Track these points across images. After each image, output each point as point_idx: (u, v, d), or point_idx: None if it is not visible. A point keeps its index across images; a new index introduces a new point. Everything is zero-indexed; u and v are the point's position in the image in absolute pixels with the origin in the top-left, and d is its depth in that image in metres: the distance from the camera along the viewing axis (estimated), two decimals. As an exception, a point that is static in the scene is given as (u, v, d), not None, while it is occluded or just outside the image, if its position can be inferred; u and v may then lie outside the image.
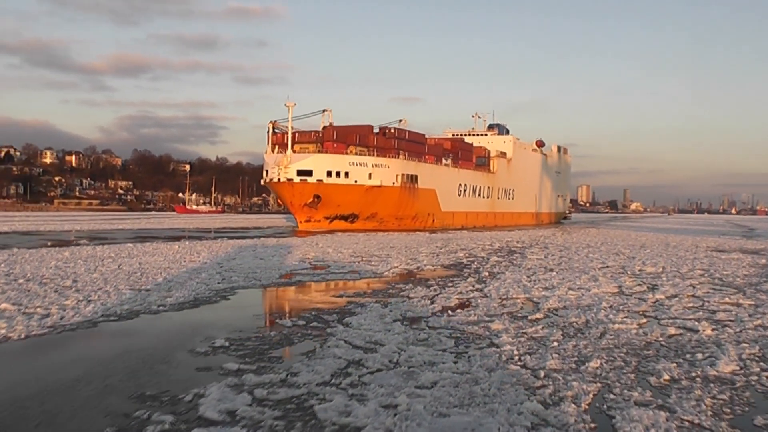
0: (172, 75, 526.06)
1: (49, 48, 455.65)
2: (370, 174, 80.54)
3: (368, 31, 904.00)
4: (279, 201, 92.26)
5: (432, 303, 18.81)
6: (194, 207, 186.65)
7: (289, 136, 78.62)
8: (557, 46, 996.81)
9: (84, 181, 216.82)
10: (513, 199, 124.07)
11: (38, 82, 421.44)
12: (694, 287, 23.84)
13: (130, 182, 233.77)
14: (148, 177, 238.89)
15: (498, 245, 49.70)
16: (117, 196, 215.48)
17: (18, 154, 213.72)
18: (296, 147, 79.22)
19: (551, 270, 29.79)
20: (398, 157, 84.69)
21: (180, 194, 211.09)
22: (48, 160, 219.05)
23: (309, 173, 77.42)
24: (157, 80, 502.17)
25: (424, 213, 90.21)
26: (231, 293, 20.59)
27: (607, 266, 32.47)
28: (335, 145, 79.87)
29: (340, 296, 20.38)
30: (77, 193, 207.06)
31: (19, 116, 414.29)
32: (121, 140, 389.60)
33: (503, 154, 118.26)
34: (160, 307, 17.41)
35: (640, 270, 30.54)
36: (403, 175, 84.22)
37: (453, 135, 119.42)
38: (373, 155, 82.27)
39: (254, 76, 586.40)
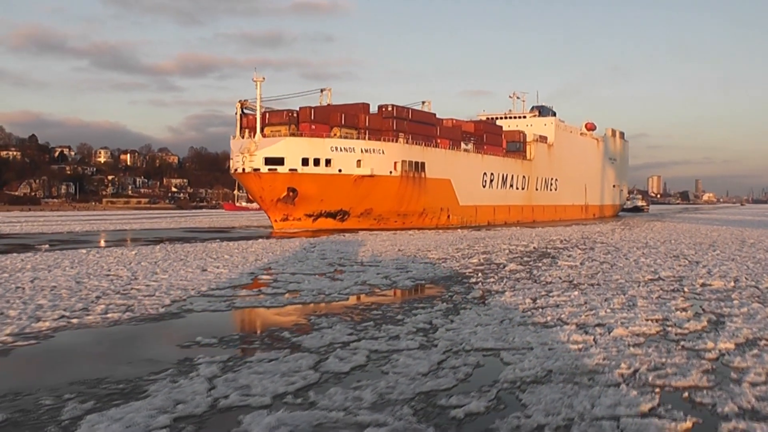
0: (239, 73, 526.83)
1: (116, 50, 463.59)
2: (358, 161, 65.41)
3: (436, 24, 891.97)
4: (250, 196, 76.46)
5: (314, 368, 10.91)
6: (243, 204, 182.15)
7: (258, 116, 64.35)
8: (627, 35, 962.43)
9: (138, 179, 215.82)
10: (556, 190, 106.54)
11: (107, 85, 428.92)
12: (784, 321, 15.16)
13: (185, 180, 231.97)
14: (204, 174, 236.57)
15: (534, 246, 41.10)
16: (170, 194, 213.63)
17: (73, 154, 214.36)
18: (267, 130, 65.32)
19: (577, 286, 21.42)
20: (397, 141, 69.68)
21: (235, 191, 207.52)
22: (102, 159, 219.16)
23: (279, 161, 62.84)
24: (224, 79, 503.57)
25: (434, 208, 74.99)
26: (27, 344, 13.22)
27: (659, 278, 23.81)
28: (313, 127, 64.91)
29: (188, 345, 12.75)
30: (130, 192, 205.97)
31: (90, 118, 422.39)
32: (189, 139, 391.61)
33: (543, 139, 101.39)
34: None
35: (702, 285, 21.77)
36: (403, 162, 69.21)
37: (488, 118, 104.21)
38: (365, 138, 67.43)
39: (322, 72, 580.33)
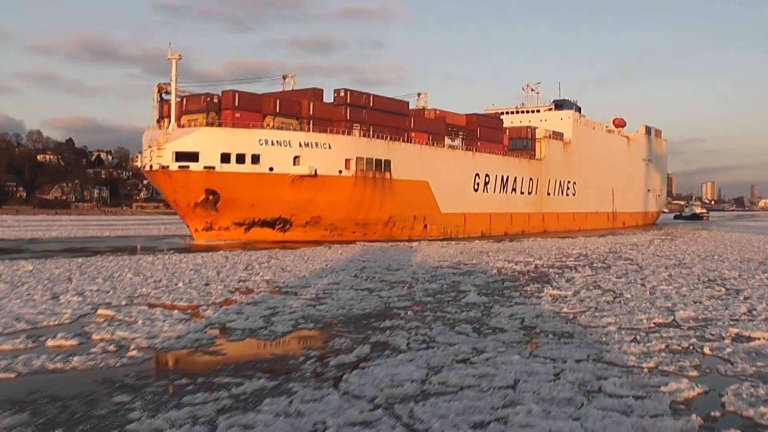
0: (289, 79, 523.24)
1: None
2: (296, 158, 53.09)
3: (487, 27, 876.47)
4: (166, 199, 62.04)
5: None
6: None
7: (173, 102, 52.97)
8: (682, 40, 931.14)
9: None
10: (574, 195, 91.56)
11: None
12: None
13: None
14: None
15: (538, 263, 33.23)
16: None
17: (110, 158, 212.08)
18: (185, 119, 53.82)
19: (533, 339, 13.89)
20: (350, 133, 57.12)
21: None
22: (139, 164, 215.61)
23: (193, 157, 51.06)
24: (274, 85, 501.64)
25: (405, 216, 61.79)
26: None
27: (673, 322, 16.17)
28: (238, 115, 52.51)
29: None
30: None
31: (144, 123, 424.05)
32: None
33: (558, 135, 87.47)
34: None
35: (735, 339, 13.99)
36: (359, 159, 56.82)
37: (495, 113, 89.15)
38: (308, 130, 54.79)
39: (372, 78, 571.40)
